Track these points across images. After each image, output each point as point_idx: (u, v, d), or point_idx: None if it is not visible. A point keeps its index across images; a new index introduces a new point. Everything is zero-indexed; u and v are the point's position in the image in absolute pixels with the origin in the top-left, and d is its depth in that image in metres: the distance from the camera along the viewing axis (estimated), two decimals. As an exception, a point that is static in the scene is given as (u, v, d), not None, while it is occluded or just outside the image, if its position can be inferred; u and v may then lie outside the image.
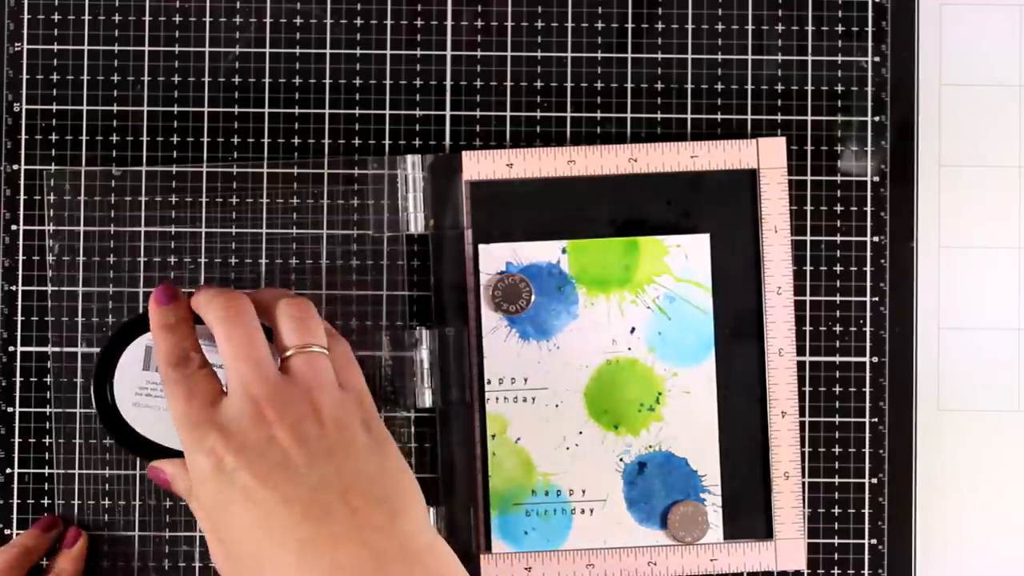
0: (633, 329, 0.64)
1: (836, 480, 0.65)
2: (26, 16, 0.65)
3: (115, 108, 0.65)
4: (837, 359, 0.65)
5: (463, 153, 0.64)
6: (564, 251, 0.64)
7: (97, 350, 0.63)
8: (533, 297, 0.64)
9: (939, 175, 0.66)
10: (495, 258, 0.64)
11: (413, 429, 0.65)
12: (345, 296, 0.64)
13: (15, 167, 0.65)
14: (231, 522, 0.50)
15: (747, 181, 0.64)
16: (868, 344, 0.65)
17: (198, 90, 0.65)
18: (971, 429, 0.65)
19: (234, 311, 0.53)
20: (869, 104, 0.65)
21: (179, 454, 0.55)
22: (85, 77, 0.65)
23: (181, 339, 0.54)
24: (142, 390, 0.57)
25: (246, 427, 0.51)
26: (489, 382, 0.64)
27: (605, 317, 0.64)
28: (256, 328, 0.53)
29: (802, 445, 0.64)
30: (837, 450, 0.65)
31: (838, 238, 0.65)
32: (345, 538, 0.50)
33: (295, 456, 0.51)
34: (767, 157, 0.64)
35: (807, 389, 0.65)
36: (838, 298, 0.65)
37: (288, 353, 0.53)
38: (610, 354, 0.64)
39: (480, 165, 0.64)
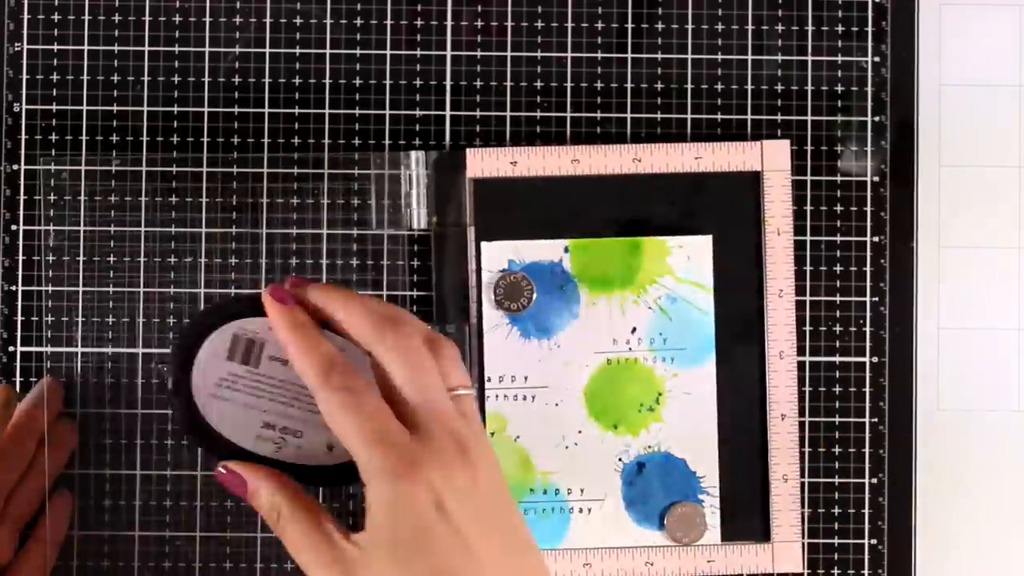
0: (634, 329, 0.64)
1: (836, 480, 0.65)
2: (26, 16, 0.65)
3: (115, 108, 0.65)
4: (837, 359, 0.65)
5: (467, 150, 0.64)
6: (567, 250, 0.64)
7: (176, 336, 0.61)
8: (535, 295, 0.64)
9: (939, 175, 0.66)
10: (497, 256, 0.64)
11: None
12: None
13: (15, 167, 0.64)
14: (419, 560, 0.47)
15: (751, 183, 0.64)
16: (868, 344, 0.65)
17: (198, 90, 0.65)
18: (971, 429, 0.65)
19: (414, 345, 0.50)
20: (869, 104, 0.65)
21: (252, 456, 0.53)
22: (85, 77, 0.65)
23: (329, 347, 0.51)
24: (223, 381, 0.53)
25: (457, 466, 0.48)
26: (489, 380, 0.64)
27: (606, 317, 0.64)
28: (434, 363, 0.51)
29: (802, 445, 0.64)
30: (837, 450, 0.65)
31: (838, 238, 0.65)
32: None
33: (494, 502, 0.49)
34: (771, 159, 0.64)
35: (807, 389, 0.65)
36: (838, 298, 0.65)
37: (457, 393, 0.51)
38: (611, 354, 0.64)
39: (484, 162, 0.64)
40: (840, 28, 0.65)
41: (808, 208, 0.65)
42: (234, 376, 0.53)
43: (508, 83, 0.65)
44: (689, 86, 0.65)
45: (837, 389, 0.65)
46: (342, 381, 0.49)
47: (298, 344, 0.50)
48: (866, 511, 0.65)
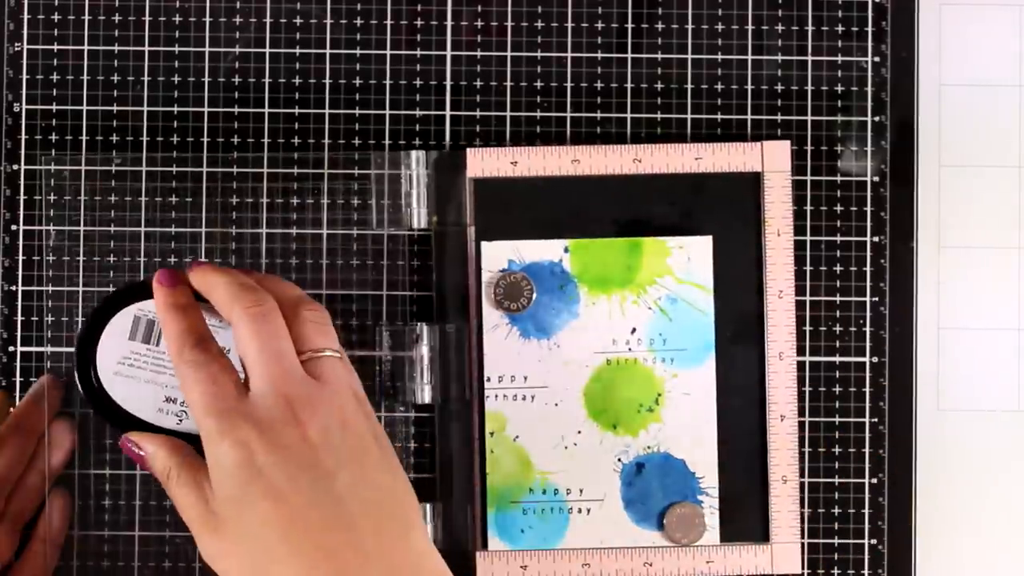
0: (634, 329, 0.64)
1: (836, 480, 0.65)
2: (26, 16, 0.65)
3: (115, 108, 0.65)
4: (837, 359, 0.65)
5: (467, 150, 0.64)
6: (567, 250, 0.64)
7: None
8: (535, 295, 0.64)
9: (939, 175, 0.66)
10: (497, 256, 0.64)
11: (412, 428, 0.65)
12: (345, 295, 0.64)
13: (15, 167, 0.64)
14: (248, 518, 0.50)
15: (751, 184, 0.64)
16: (868, 344, 0.65)
17: (198, 90, 0.65)
18: (971, 429, 0.65)
19: (262, 309, 0.53)
20: (869, 104, 0.65)
21: (154, 428, 0.56)
22: (85, 77, 0.65)
23: (196, 321, 0.54)
24: (125, 359, 0.57)
25: (279, 425, 0.51)
26: (489, 379, 0.64)
27: (606, 317, 0.64)
28: (284, 327, 0.53)
29: (802, 445, 0.64)
30: (837, 450, 0.65)
31: (838, 238, 0.65)
32: (366, 552, 0.49)
33: (324, 461, 0.50)
34: (771, 160, 0.64)
35: (807, 389, 0.65)
36: (838, 298, 0.65)
37: (314, 355, 0.53)
38: (610, 354, 0.64)
39: (484, 162, 0.64)
40: (840, 28, 0.65)
41: (808, 208, 0.65)
42: (136, 354, 0.57)
43: (508, 83, 0.65)
44: (689, 86, 0.65)
45: (837, 389, 0.65)
46: (192, 354, 0.52)
47: (164, 322, 0.55)
48: (866, 511, 0.65)
